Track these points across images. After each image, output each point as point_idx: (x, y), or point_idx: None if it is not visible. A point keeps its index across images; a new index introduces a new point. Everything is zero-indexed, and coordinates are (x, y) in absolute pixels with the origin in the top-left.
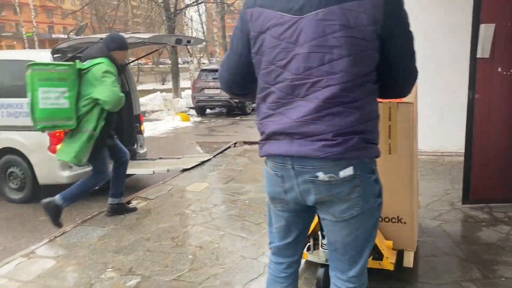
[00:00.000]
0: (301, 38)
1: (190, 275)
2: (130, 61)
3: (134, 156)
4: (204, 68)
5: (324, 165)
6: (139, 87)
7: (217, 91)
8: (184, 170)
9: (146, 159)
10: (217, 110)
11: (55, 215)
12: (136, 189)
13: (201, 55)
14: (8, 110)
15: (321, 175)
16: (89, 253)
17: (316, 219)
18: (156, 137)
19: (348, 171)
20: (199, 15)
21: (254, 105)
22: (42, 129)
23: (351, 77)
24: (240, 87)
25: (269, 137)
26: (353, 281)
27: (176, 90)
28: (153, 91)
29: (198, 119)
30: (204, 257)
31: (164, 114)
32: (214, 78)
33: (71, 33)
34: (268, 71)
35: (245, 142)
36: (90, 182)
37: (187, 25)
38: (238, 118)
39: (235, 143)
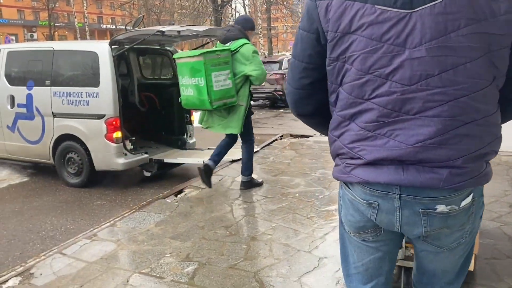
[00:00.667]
0: (413, 38)
1: (246, 264)
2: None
3: (183, 145)
4: None
5: (447, 195)
6: None
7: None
8: (233, 161)
9: (196, 149)
10: (260, 102)
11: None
12: (187, 178)
13: None
14: (68, 99)
15: (440, 208)
16: (147, 238)
17: None
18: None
19: (468, 199)
20: (244, 6)
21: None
22: (216, 108)
23: (483, 85)
24: (304, 105)
25: (367, 163)
26: None
27: None
28: None
29: None
30: (258, 248)
31: None
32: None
33: (128, 25)
34: (361, 82)
35: (291, 135)
36: (248, 151)
37: (232, 16)
38: (281, 110)
39: (282, 136)
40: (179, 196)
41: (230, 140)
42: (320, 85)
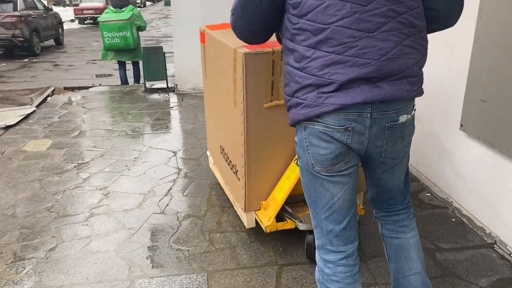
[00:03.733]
0: None
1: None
2: None
3: None
4: None
5: (405, 106)
6: None
7: None
8: (8, 127)
9: None
10: None
11: None
12: None
13: None
14: None
15: (402, 118)
16: None
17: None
18: None
19: (413, 109)
20: None
21: (42, 44)
22: (136, 47)
23: (418, 4)
24: (265, 37)
25: (340, 86)
26: (409, 204)
27: None
28: None
29: None
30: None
31: None
32: None
33: None
34: (323, 7)
35: (66, 88)
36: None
37: None
38: (26, 60)
39: (53, 90)
40: None
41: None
42: (275, 20)
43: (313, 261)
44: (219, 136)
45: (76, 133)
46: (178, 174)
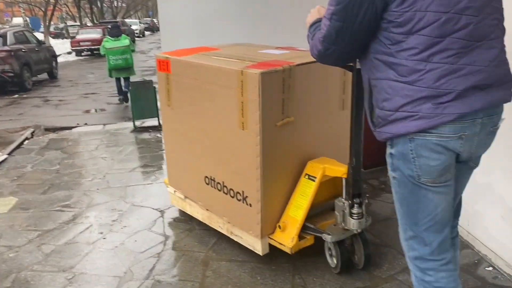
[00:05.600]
0: None
1: None
2: None
3: None
4: None
5: (501, 110)
6: None
7: None
8: None
9: None
10: None
11: None
12: None
13: None
14: None
15: (500, 123)
16: None
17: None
18: None
19: None
20: None
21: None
22: (132, 66)
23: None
24: (358, 56)
25: (458, 95)
26: (456, 227)
27: None
28: None
29: None
30: None
31: None
32: None
33: None
34: (441, 22)
35: (47, 129)
36: None
37: None
38: (16, 96)
39: (33, 132)
40: None
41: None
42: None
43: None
44: (201, 166)
45: (47, 187)
46: (165, 245)
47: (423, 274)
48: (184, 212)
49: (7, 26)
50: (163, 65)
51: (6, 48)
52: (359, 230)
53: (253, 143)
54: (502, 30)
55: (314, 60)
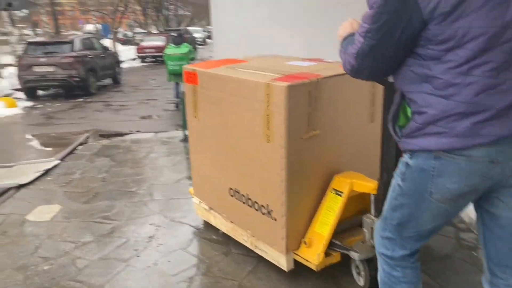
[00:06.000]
0: None
1: None
2: None
3: None
4: (31, 40)
5: None
6: None
7: (51, 69)
8: (21, 186)
9: None
10: (52, 91)
11: None
12: None
13: (23, 25)
14: None
15: None
16: None
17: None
18: None
19: None
20: None
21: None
22: None
23: None
24: (394, 69)
25: (497, 113)
26: None
27: None
28: None
29: (29, 103)
30: None
31: None
32: (45, 53)
33: None
34: (487, 37)
35: (101, 135)
36: None
37: None
38: (81, 99)
39: (88, 137)
40: None
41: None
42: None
43: None
44: (226, 178)
45: (91, 196)
46: (198, 268)
47: (391, 269)
48: (211, 224)
49: (80, 33)
50: (191, 77)
51: (73, 54)
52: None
53: (278, 156)
54: None
55: (342, 72)
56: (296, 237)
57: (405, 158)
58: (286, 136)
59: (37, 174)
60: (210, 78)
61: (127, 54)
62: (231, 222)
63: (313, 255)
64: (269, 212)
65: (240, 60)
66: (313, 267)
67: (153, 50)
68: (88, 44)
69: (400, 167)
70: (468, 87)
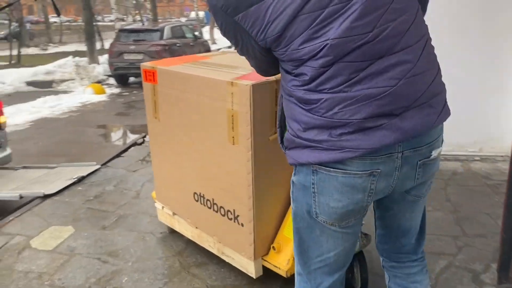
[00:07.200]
0: None
1: None
2: None
3: None
4: (123, 28)
5: (437, 137)
6: (61, 49)
7: (139, 57)
8: (46, 196)
9: (6, 168)
10: (139, 79)
11: None
12: None
13: (137, 12)
14: None
15: (435, 153)
16: None
17: None
18: (54, 118)
19: (442, 139)
20: None
21: None
22: None
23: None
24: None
25: (359, 127)
26: (423, 254)
27: (92, 54)
28: (69, 54)
29: (117, 90)
30: None
31: (77, 84)
32: (135, 40)
33: None
34: (325, 49)
35: None
36: None
37: None
38: None
39: (144, 136)
40: None
41: None
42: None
43: None
44: (190, 182)
45: (113, 220)
46: None
47: None
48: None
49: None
50: (149, 75)
51: (162, 42)
52: (356, 251)
53: (245, 158)
54: (417, 34)
55: None
56: (264, 243)
57: (292, 174)
58: (252, 137)
59: (68, 182)
60: (170, 76)
61: (223, 42)
62: (197, 227)
63: (282, 261)
64: (236, 218)
65: (203, 57)
66: (283, 274)
67: None
68: (178, 32)
69: (291, 187)
70: (320, 102)
